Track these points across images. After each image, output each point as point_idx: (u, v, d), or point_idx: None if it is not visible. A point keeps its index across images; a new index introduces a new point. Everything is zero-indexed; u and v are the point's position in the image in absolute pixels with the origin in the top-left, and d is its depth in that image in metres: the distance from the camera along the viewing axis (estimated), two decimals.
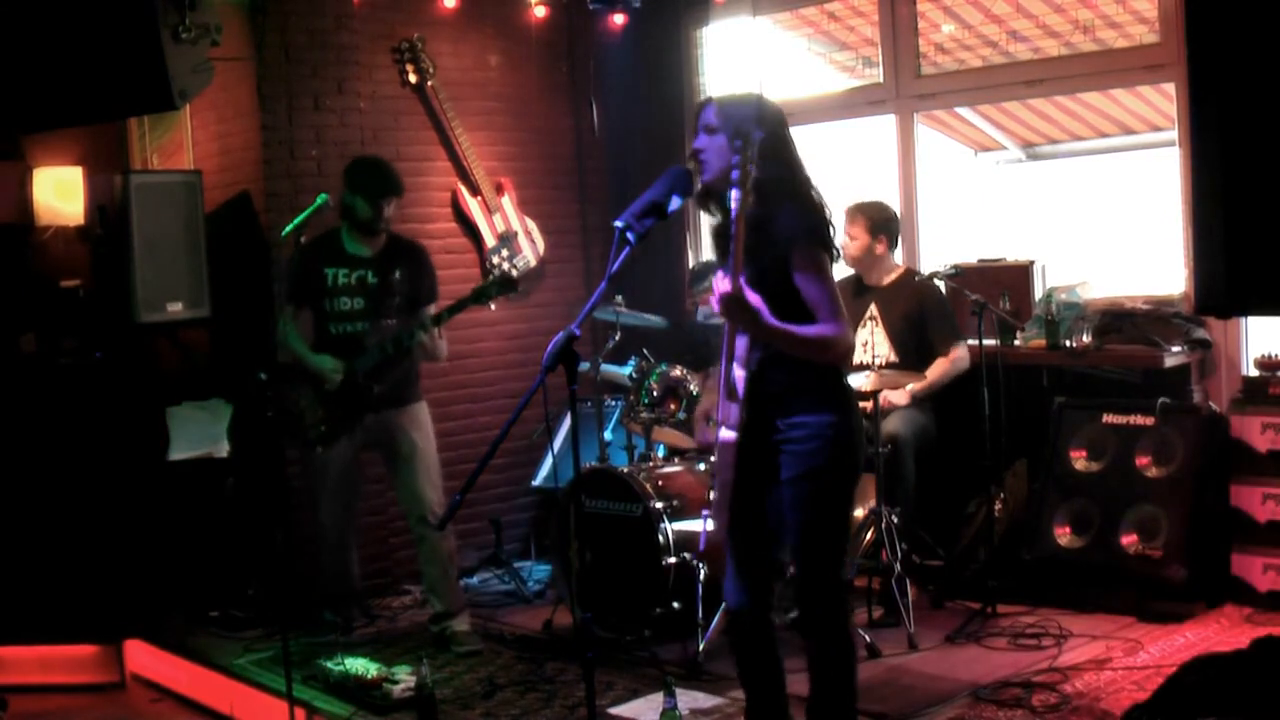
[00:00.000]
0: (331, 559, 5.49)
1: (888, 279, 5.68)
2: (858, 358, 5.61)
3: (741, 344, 3.49)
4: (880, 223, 5.62)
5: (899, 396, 5.47)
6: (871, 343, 5.57)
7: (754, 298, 3.33)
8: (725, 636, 3.94)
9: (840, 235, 5.65)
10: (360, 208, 5.24)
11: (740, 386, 3.46)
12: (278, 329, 5.30)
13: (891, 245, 5.68)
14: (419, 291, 5.37)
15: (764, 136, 3.32)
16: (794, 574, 3.56)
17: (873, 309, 5.64)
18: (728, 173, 3.41)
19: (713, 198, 3.60)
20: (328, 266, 5.28)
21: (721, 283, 3.34)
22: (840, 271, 5.81)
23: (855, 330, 5.67)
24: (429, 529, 5.23)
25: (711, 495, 3.69)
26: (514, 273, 6.61)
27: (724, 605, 3.71)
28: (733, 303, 3.30)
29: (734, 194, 3.29)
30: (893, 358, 5.55)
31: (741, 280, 3.31)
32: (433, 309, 5.34)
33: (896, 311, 5.60)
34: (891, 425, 5.38)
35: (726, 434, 3.49)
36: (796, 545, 3.54)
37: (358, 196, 5.25)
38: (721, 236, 3.62)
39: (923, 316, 5.57)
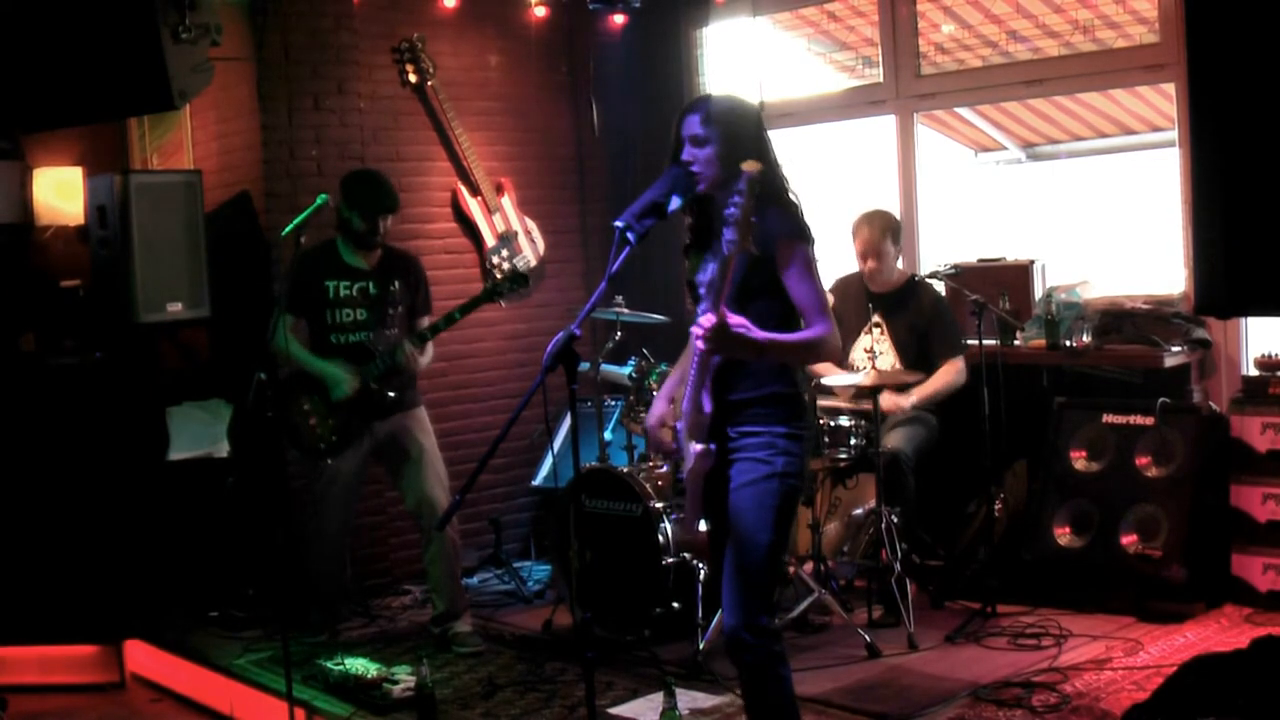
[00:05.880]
0: (326, 564, 5.50)
1: (892, 285, 5.66)
2: (862, 364, 5.60)
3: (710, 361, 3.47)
4: (895, 230, 5.61)
5: (904, 400, 5.45)
6: (875, 350, 5.55)
7: (737, 320, 3.27)
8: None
9: (856, 244, 5.68)
10: (356, 223, 5.27)
11: (707, 403, 3.45)
12: (274, 339, 5.27)
13: (899, 252, 5.68)
14: (416, 302, 5.42)
15: (760, 171, 3.23)
16: (726, 585, 3.48)
17: (877, 316, 5.62)
18: (720, 184, 3.42)
19: (699, 202, 3.56)
20: (328, 279, 5.30)
21: (705, 318, 3.27)
22: (838, 269, 5.85)
23: (859, 337, 5.66)
24: (435, 530, 5.24)
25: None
26: (519, 268, 6.63)
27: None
28: (722, 333, 3.24)
29: (727, 234, 3.20)
30: (898, 365, 5.54)
31: (724, 310, 3.26)
32: (426, 320, 5.40)
33: (902, 319, 5.59)
34: (893, 441, 5.37)
35: (699, 446, 3.49)
36: (731, 558, 3.47)
37: (354, 212, 5.27)
38: (700, 234, 3.61)
39: (926, 325, 5.55)
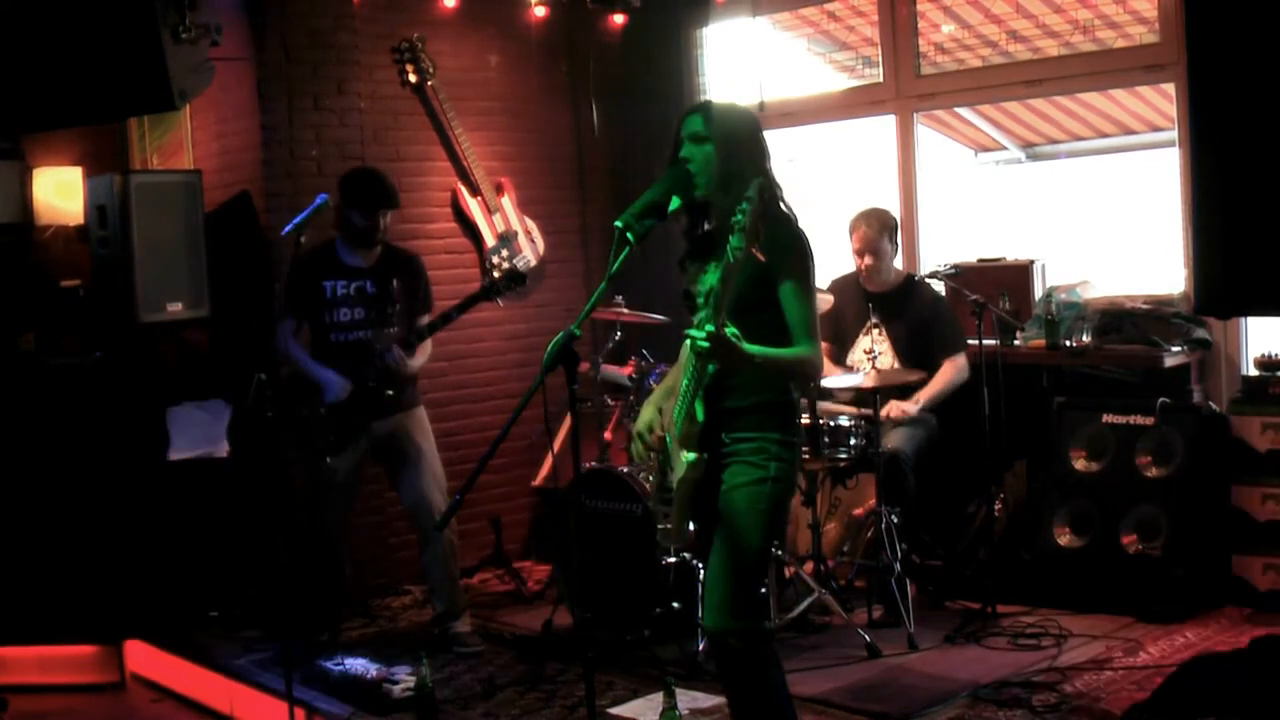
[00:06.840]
0: (325, 564, 5.50)
1: (890, 285, 5.65)
2: (862, 365, 5.59)
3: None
4: (893, 228, 5.60)
5: (909, 407, 5.44)
6: (875, 351, 5.54)
7: (731, 332, 3.26)
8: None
9: (855, 243, 5.67)
10: (356, 220, 5.26)
11: (701, 411, 3.45)
12: (276, 342, 5.25)
13: (896, 250, 5.67)
14: (416, 300, 5.40)
15: (765, 181, 3.24)
16: (715, 589, 3.48)
17: (876, 316, 5.60)
18: (718, 189, 3.42)
19: (694, 212, 3.56)
20: (325, 279, 5.28)
21: (705, 327, 3.25)
22: (837, 269, 5.84)
23: (858, 338, 5.66)
24: (435, 530, 5.24)
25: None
26: (519, 268, 6.63)
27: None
28: (720, 342, 3.22)
29: (734, 240, 3.18)
30: (896, 365, 5.52)
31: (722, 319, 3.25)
32: (426, 318, 5.38)
33: (900, 319, 5.57)
34: (894, 440, 5.36)
35: (691, 456, 3.48)
36: (719, 560, 3.47)
37: (353, 209, 5.26)
38: (696, 241, 3.61)
39: (926, 324, 5.54)
